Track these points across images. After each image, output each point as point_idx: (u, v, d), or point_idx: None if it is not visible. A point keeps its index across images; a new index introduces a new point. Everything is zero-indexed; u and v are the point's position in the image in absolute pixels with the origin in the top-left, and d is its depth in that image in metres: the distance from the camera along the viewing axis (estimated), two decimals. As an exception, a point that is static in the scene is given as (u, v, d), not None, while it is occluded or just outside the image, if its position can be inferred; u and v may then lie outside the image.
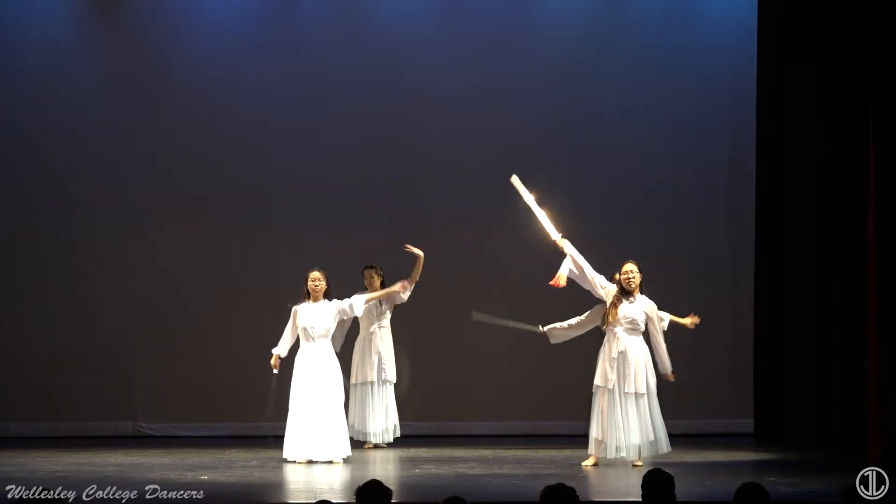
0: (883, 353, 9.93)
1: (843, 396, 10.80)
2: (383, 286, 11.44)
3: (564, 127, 12.66)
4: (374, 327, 11.45)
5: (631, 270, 10.28)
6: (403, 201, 12.58)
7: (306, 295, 10.56)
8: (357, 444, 11.22)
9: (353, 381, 11.39)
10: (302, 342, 10.52)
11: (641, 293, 10.31)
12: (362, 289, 11.42)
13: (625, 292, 10.25)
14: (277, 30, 12.68)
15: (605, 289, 10.26)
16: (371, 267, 11.48)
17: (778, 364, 11.91)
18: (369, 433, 11.37)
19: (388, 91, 12.59)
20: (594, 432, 10.16)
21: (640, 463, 10.12)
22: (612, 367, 10.15)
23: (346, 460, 10.38)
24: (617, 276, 10.34)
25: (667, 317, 10.46)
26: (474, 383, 12.41)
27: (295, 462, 10.28)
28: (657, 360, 10.27)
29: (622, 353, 10.14)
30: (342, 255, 12.09)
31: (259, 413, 11.88)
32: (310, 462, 10.29)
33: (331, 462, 10.30)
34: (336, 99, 12.57)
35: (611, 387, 10.13)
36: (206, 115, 12.54)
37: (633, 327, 10.21)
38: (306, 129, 12.56)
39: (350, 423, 11.27)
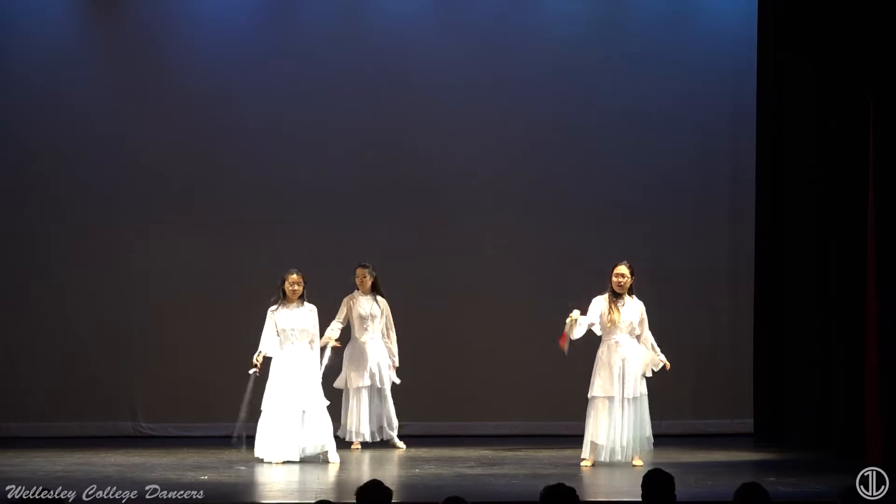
0: (883, 353, 9.93)
1: (843, 396, 10.80)
2: (375, 287, 11.42)
3: (564, 127, 12.64)
4: (367, 337, 11.45)
5: (622, 274, 10.27)
6: (405, 201, 12.57)
7: (282, 295, 10.56)
8: (348, 444, 11.25)
9: (350, 385, 11.40)
10: (281, 343, 10.53)
11: (630, 294, 10.32)
12: (353, 288, 11.43)
13: (615, 295, 10.25)
14: (278, 31, 12.67)
15: (596, 312, 10.32)
16: (363, 266, 11.47)
17: (778, 364, 11.91)
18: (352, 432, 11.37)
19: (389, 91, 12.57)
20: (591, 437, 10.16)
21: (639, 463, 10.13)
22: (611, 374, 10.15)
23: (337, 459, 10.38)
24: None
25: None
26: (474, 383, 12.41)
27: (271, 463, 10.26)
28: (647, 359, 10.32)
29: (624, 360, 10.16)
30: (343, 256, 12.08)
31: (259, 413, 11.85)
32: (286, 462, 10.27)
33: (327, 461, 10.31)
34: (337, 100, 12.56)
35: (613, 394, 10.15)
36: (207, 116, 12.52)
37: (630, 330, 10.23)
38: (307, 130, 12.55)
39: (343, 424, 11.31)
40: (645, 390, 10.26)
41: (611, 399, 10.14)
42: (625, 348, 10.19)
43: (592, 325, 10.28)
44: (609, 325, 10.24)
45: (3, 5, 12.49)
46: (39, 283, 12.38)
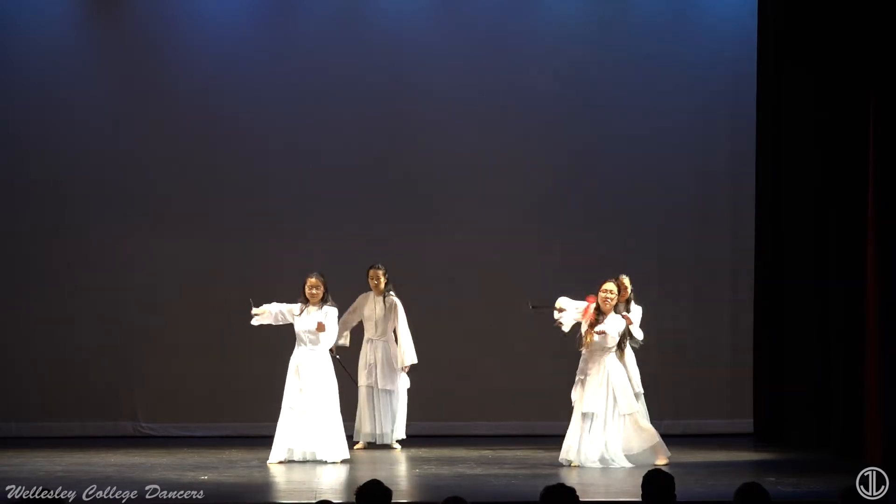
0: (883, 352, 9.92)
1: (843, 396, 10.80)
2: (388, 286, 11.42)
3: (565, 129, 12.64)
4: (369, 337, 11.47)
5: (611, 290, 10.24)
6: (406, 203, 12.57)
7: (304, 299, 10.57)
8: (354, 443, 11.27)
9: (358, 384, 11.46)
10: (297, 345, 10.54)
11: (629, 308, 10.28)
12: (367, 289, 11.45)
13: (599, 311, 10.23)
14: (278, 33, 12.67)
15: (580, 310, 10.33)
16: (376, 267, 11.46)
17: (778, 364, 11.91)
18: (356, 431, 11.40)
19: (390, 94, 12.57)
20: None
21: (662, 461, 10.12)
22: (581, 387, 10.19)
23: (344, 461, 10.38)
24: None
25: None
26: (475, 383, 12.41)
27: (282, 462, 10.28)
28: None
29: (588, 375, 10.18)
30: (343, 257, 12.10)
31: (259, 413, 11.86)
32: (303, 461, 10.28)
33: (325, 462, 10.30)
34: (337, 102, 12.55)
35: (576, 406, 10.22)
36: (207, 116, 12.53)
37: (601, 347, 10.21)
38: (308, 131, 12.55)
39: (356, 428, 11.32)
40: (628, 410, 10.18)
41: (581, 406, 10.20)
42: (590, 365, 10.19)
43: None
44: (587, 339, 10.24)
45: (3, 5, 12.49)
46: (40, 282, 12.39)
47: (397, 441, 11.47)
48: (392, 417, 11.44)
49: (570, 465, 10.09)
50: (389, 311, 11.42)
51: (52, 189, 12.44)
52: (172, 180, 12.51)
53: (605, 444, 10.10)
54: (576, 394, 10.29)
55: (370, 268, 11.47)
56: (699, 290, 12.59)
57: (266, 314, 10.53)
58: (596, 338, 10.13)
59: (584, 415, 10.15)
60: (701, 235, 12.66)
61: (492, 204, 12.57)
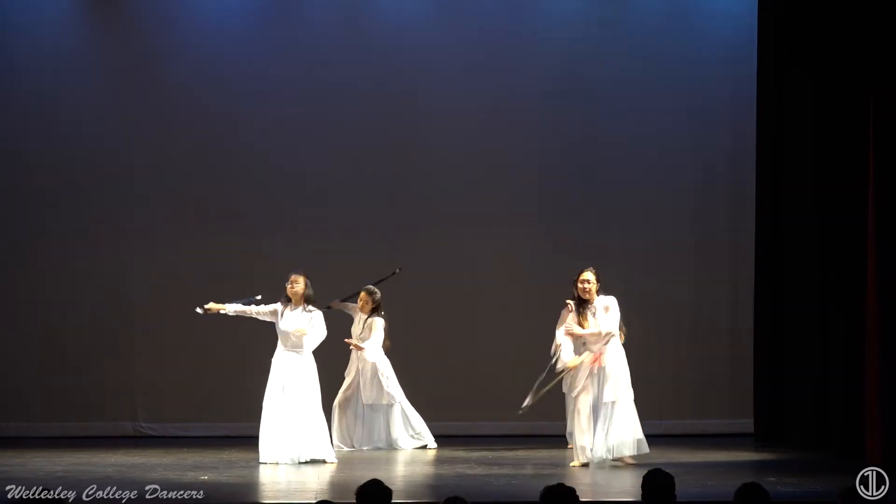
0: (883, 353, 9.92)
1: (843, 396, 10.80)
2: (375, 311, 11.33)
3: (566, 128, 12.64)
4: (354, 354, 11.43)
5: (588, 280, 10.19)
6: (406, 204, 12.57)
7: (286, 298, 10.51)
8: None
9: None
10: (279, 345, 10.51)
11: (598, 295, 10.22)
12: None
13: (582, 301, 10.19)
14: (278, 33, 12.67)
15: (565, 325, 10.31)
16: (367, 292, 11.38)
17: (778, 364, 11.91)
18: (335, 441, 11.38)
19: (389, 95, 12.57)
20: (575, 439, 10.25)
21: (630, 462, 10.07)
22: (586, 377, 10.16)
23: (335, 459, 10.38)
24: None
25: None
26: (474, 384, 12.41)
27: (275, 464, 10.25)
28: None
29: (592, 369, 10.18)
30: (341, 257, 12.10)
31: (259, 413, 11.86)
32: (290, 463, 10.25)
33: (323, 461, 10.30)
34: (337, 101, 12.55)
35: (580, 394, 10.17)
36: (207, 116, 12.53)
37: (597, 340, 10.20)
38: (307, 132, 12.56)
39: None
40: (615, 397, 10.15)
41: (584, 398, 10.16)
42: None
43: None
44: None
45: (3, 5, 12.50)
46: (39, 283, 12.39)
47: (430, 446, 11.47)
48: (381, 428, 11.39)
49: (586, 466, 10.04)
50: (367, 330, 11.35)
51: (51, 189, 12.44)
52: (172, 180, 12.51)
53: (605, 435, 10.07)
54: (577, 392, 10.26)
55: (362, 290, 11.39)
56: (699, 291, 12.58)
57: (222, 309, 10.53)
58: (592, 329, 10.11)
59: (593, 408, 10.08)
60: (701, 235, 12.66)
61: (491, 204, 12.56)
